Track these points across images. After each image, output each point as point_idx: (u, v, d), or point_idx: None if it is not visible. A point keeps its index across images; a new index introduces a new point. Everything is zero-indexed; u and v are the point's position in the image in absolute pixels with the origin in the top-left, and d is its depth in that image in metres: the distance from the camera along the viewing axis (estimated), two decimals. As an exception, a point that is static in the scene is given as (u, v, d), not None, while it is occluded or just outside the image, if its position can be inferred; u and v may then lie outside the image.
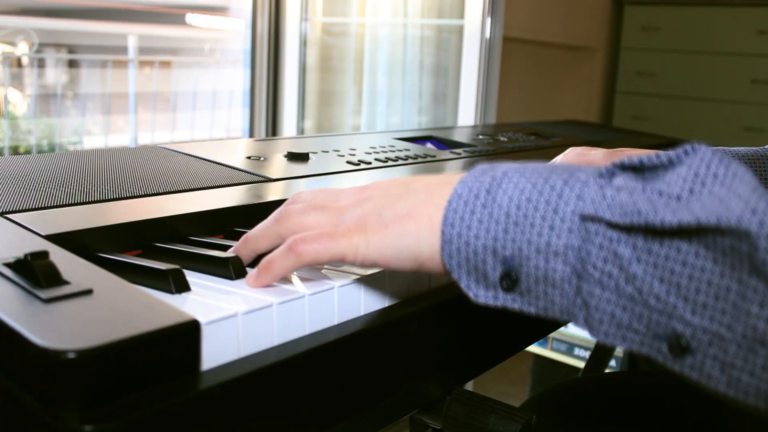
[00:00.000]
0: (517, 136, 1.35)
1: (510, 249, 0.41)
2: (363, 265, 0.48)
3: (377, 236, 0.45)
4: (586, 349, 1.94)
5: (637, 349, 0.38)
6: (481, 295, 0.43)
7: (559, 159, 0.87)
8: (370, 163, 0.93)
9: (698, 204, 0.36)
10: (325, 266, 0.55)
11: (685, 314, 0.36)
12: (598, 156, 0.83)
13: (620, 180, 0.39)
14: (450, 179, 0.46)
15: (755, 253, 0.33)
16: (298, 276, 0.52)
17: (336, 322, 0.49)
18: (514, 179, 0.42)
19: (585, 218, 0.39)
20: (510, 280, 0.41)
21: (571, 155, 0.86)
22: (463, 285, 0.43)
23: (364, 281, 0.51)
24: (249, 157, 0.87)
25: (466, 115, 1.97)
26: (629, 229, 0.37)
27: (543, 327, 0.73)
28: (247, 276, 0.48)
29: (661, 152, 0.40)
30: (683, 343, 0.36)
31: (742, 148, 0.84)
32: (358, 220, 0.46)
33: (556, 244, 0.39)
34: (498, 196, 0.42)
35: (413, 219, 0.44)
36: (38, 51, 2.09)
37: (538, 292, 0.41)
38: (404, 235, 0.44)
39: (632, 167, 0.40)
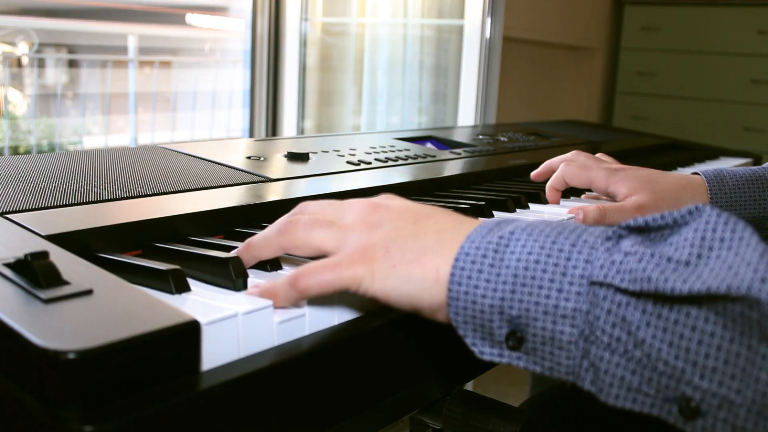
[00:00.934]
0: (517, 136, 1.35)
1: (517, 309, 0.41)
2: (363, 296, 0.48)
3: (382, 274, 0.45)
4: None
5: (647, 411, 0.38)
6: (487, 352, 0.43)
7: (559, 168, 0.86)
8: (370, 163, 0.93)
9: (707, 270, 0.36)
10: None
11: (695, 378, 0.36)
12: (600, 176, 0.82)
13: (628, 243, 0.39)
14: (460, 227, 0.46)
15: (765, 321, 0.34)
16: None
17: (336, 322, 0.49)
18: (522, 239, 0.42)
19: (594, 283, 0.39)
20: (516, 338, 0.41)
21: (573, 166, 0.85)
22: (468, 341, 0.44)
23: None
24: (249, 157, 0.87)
25: (466, 115, 1.97)
26: (639, 295, 0.38)
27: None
28: (250, 290, 0.48)
29: (665, 212, 0.40)
30: (693, 406, 0.36)
31: (741, 168, 0.85)
32: (364, 250, 0.46)
33: (564, 307, 0.40)
34: (506, 256, 0.42)
35: (420, 266, 0.44)
36: (38, 51, 2.09)
37: (544, 352, 0.41)
38: (409, 280, 0.44)
39: (638, 228, 0.41)
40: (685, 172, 1.26)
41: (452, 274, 0.43)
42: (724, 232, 0.37)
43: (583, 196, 0.94)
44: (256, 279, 0.50)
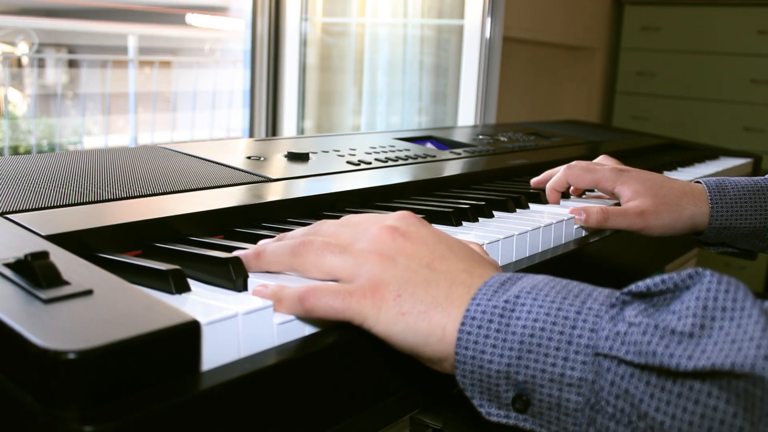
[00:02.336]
0: (517, 136, 1.35)
1: (523, 375, 0.41)
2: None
3: (389, 318, 0.45)
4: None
5: None
6: (494, 413, 0.44)
7: (561, 171, 0.86)
8: (370, 163, 0.93)
9: (711, 343, 0.36)
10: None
11: None
12: (607, 176, 0.83)
13: (631, 312, 0.40)
14: (471, 280, 0.46)
15: None
16: (299, 276, 0.52)
17: (336, 322, 0.49)
18: (527, 304, 0.43)
19: (599, 354, 0.39)
20: (522, 401, 0.42)
21: (576, 168, 0.85)
22: (475, 402, 0.44)
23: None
24: (249, 157, 0.87)
25: (466, 115, 1.97)
26: (643, 367, 0.38)
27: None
28: (255, 289, 0.47)
29: (665, 276, 0.41)
30: None
31: (743, 178, 0.85)
32: (375, 287, 0.46)
33: (570, 376, 0.40)
34: (512, 321, 0.42)
35: (428, 321, 0.44)
36: (38, 51, 2.09)
37: (550, 417, 0.41)
38: (415, 332, 0.44)
39: (640, 294, 0.41)
40: (685, 171, 1.27)
41: (459, 338, 0.43)
42: (725, 301, 0.38)
43: (583, 196, 0.94)
44: (257, 279, 0.50)
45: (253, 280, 0.50)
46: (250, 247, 0.53)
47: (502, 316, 0.43)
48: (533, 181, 0.92)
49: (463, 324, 0.43)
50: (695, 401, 0.36)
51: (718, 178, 0.85)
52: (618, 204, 0.84)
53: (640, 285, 0.41)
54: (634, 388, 0.38)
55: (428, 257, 0.48)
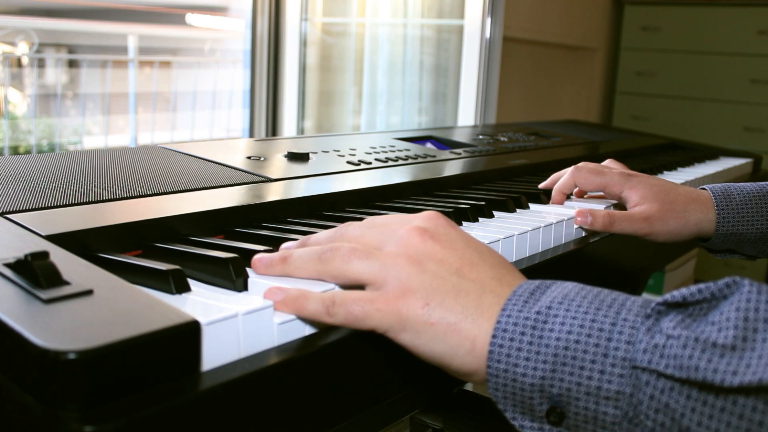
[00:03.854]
0: (517, 136, 1.35)
1: (558, 388, 0.41)
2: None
3: (416, 327, 0.44)
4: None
5: None
6: (527, 426, 0.43)
7: (568, 173, 0.86)
8: (370, 163, 0.93)
9: (755, 356, 0.36)
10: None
11: None
12: (615, 180, 0.82)
13: (669, 324, 0.39)
14: (500, 289, 0.45)
15: None
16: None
17: (336, 322, 0.49)
18: (560, 315, 0.42)
19: (637, 368, 0.39)
20: (557, 414, 0.41)
21: (584, 171, 0.84)
22: (508, 416, 0.43)
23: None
24: (249, 157, 0.87)
25: (466, 115, 1.97)
26: (684, 381, 0.37)
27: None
28: (269, 290, 0.46)
29: (701, 285, 0.40)
30: None
31: (748, 184, 0.84)
32: (402, 295, 0.44)
33: (607, 389, 0.39)
34: (545, 334, 0.41)
35: (457, 333, 0.43)
36: (38, 51, 2.09)
37: (586, 429, 0.41)
38: (444, 342, 0.44)
39: (676, 304, 0.40)
40: (685, 171, 1.27)
41: (491, 351, 0.42)
42: (767, 312, 0.37)
43: (585, 196, 0.93)
44: (257, 279, 0.50)
45: (254, 280, 0.50)
46: (277, 251, 0.52)
47: (534, 328, 0.42)
48: (541, 185, 0.92)
49: (494, 336, 0.42)
50: (739, 416, 0.36)
51: (723, 184, 0.84)
52: (624, 208, 0.84)
53: (676, 295, 0.40)
54: (674, 402, 0.37)
55: (457, 263, 0.46)
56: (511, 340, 0.42)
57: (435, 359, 0.44)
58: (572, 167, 0.86)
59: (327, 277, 0.48)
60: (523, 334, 0.42)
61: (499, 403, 0.43)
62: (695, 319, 0.39)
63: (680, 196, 0.81)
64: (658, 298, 0.41)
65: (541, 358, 0.41)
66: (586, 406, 0.40)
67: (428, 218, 0.50)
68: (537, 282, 0.45)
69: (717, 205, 0.81)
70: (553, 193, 0.87)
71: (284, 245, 0.54)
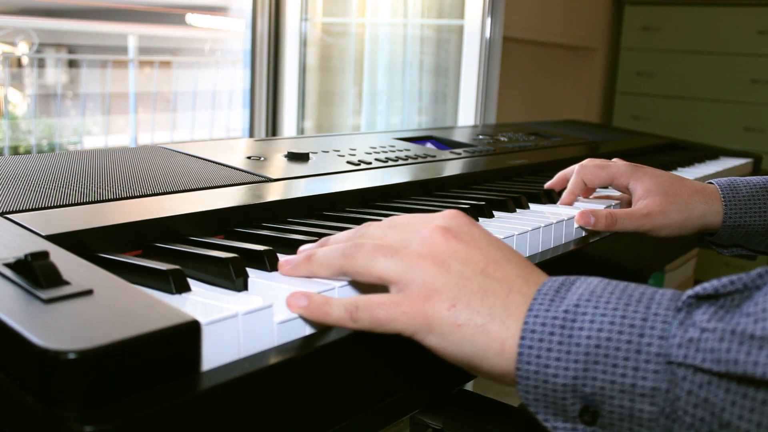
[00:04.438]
0: (517, 136, 1.35)
1: (591, 387, 0.40)
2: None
3: (444, 329, 0.43)
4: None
5: None
6: (560, 427, 0.42)
7: (575, 173, 0.85)
8: (370, 163, 0.93)
9: None
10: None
11: None
12: (621, 170, 0.82)
13: (702, 317, 0.38)
14: (527, 288, 0.44)
15: None
16: (298, 276, 0.52)
17: (336, 322, 0.48)
18: (589, 313, 0.41)
19: (672, 363, 0.38)
20: (590, 413, 0.41)
21: (590, 167, 0.84)
22: (540, 417, 0.43)
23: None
24: (249, 157, 0.87)
25: (466, 115, 1.97)
26: (722, 375, 0.37)
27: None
28: (293, 296, 0.45)
29: (733, 277, 0.40)
30: None
31: (754, 177, 0.84)
32: (427, 296, 0.44)
33: (642, 386, 0.39)
34: (575, 333, 0.41)
35: (485, 334, 0.43)
36: (38, 51, 2.09)
37: (622, 427, 0.40)
38: (472, 344, 0.43)
39: (707, 296, 0.40)
40: (685, 171, 1.27)
41: (520, 353, 0.42)
42: None
43: (591, 197, 0.93)
44: (257, 279, 0.50)
45: (254, 280, 0.50)
46: (297, 253, 0.52)
47: (563, 327, 0.41)
48: (547, 184, 0.91)
49: (523, 338, 0.42)
50: None
51: (729, 178, 0.84)
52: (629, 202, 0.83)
53: (707, 287, 0.40)
54: (713, 396, 0.37)
55: (482, 262, 0.46)
56: (540, 341, 0.41)
57: (463, 361, 0.44)
58: (577, 165, 0.86)
59: (351, 273, 0.47)
60: (552, 334, 0.41)
61: (530, 405, 0.42)
62: (728, 310, 0.39)
63: (685, 188, 0.80)
64: (688, 291, 0.40)
65: (572, 358, 0.40)
66: (620, 404, 0.39)
67: (450, 217, 0.49)
68: (561, 279, 0.44)
69: (723, 197, 0.80)
70: (564, 195, 0.86)
71: (303, 247, 0.53)
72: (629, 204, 0.85)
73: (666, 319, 0.39)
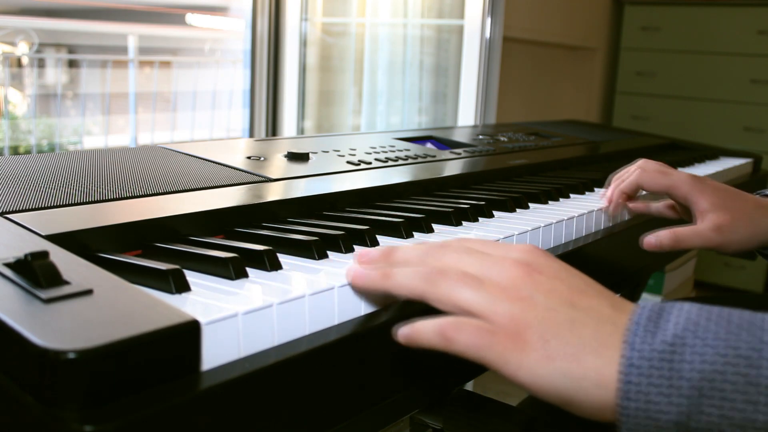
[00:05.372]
0: (517, 136, 1.35)
1: (702, 422, 0.38)
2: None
3: (535, 363, 0.42)
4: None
5: None
6: None
7: (634, 174, 0.81)
8: (370, 163, 0.93)
9: None
10: (326, 267, 0.55)
11: None
12: (682, 180, 0.78)
13: None
14: (617, 316, 0.43)
15: None
16: (299, 276, 0.52)
17: (336, 322, 0.49)
18: (693, 345, 0.39)
19: None
20: None
21: (651, 171, 0.80)
22: None
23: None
24: (249, 157, 0.87)
25: (466, 115, 1.97)
26: None
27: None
28: (398, 329, 0.45)
29: None
30: None
31: None
32: (517, 331, 0.43)
33: (763, 421, 0.37)
34: (679, 366, 0.39)
35: (580, 366, 0.41)
36: (38, 51, 2.09)
37: None
38: (567, 377, 0.41)
39: None
40: (685, 172, 1.26)
41: (621, 390, 0.40)
42: None
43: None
44: (257, 279, 0.50)
45: (255, 281, 0.50)
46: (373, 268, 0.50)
47: (668, 360, 0.39)
48: (605, 196, 0.85)
49: (623, 372, 0.40)
50: None
51: None
52: (687, 211, 0.80)
53: None
54: None
55: (566, 292, 0.45)
56: (643, 375, 0.39)
57: (557, 396, 0.42)
58: (637, 167, 0.82)
59: (431, 299, 0.46)
60: (655, 368, 0.39)
61: None
62: None
63: (748, 202, 0.77)
64: None
65: (679, 393, 0.38)
66: None
67: (527, 251, 0.48)
68: (649, 305, 0.43)
69: None
70: (615, 194, 0.83)
71: (361, 251, 0.52)
72: (671, 209, 0.83)
73: None
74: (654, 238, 0.74)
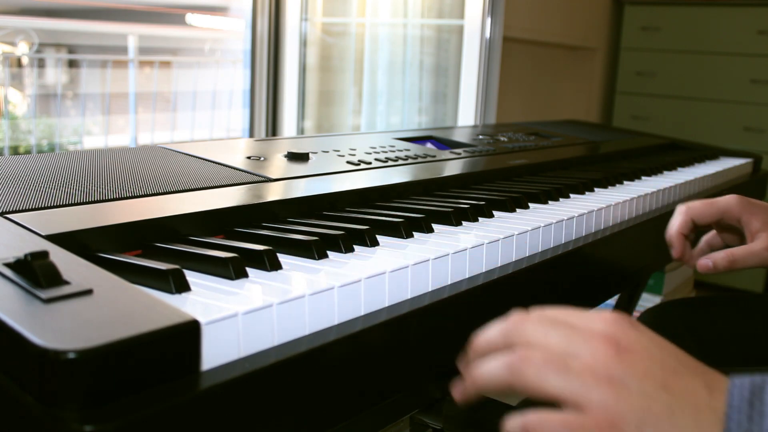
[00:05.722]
0: (517, 136, 1.35)
1: None
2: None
3: None
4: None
5: None
6: None
7: (681, 216, 0.79)
8: (370, 163, 0.93)
9: None
10: (326, 266, 0.55)
11: None
12: (734, 202, 0.78)
13: None
14: (714, 401, 0.41)
15: None
16: (299, 276, 0.52)
17: (336, 322, 0.49)
18: None
19: None
20: None
21: (697, 205, 0.79)
22: None
23: (364, 282, 0.51)
24: (249, 157, 0.87)
25: (466, 115, 1.97)
26: None
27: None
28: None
29: None
30: None
31: None
32: (611, 421, 0.41)
33: None
34: None
35: None
36: (38, 51, 2.09)
37: None
38: None
39: None
40: (685, 171, 1.27)
41: None
42: None
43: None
44: (257, 279, 0.50)
45: (255, 281, 0.50)
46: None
47: None
48: (675, 254, 0.82)
49: None
50: None
51: None
52: (740, 233, 0.81)
53: None
54: None
55: (660, 375, 0.42)
56: None
57: None
58: (678, 210, 0.80)
59: (519, 389, 0.44)
60: None
61: None
62: None
63: None
64: None
65: None
66: None
67: (613, 323, 0.45)
68: (746, 384, 0.42)
69: None
70: (674, 240, 0.80)
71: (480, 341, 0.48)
72: (717, 238, 0.84)
73: None
74: (709, 261, 0.76)
